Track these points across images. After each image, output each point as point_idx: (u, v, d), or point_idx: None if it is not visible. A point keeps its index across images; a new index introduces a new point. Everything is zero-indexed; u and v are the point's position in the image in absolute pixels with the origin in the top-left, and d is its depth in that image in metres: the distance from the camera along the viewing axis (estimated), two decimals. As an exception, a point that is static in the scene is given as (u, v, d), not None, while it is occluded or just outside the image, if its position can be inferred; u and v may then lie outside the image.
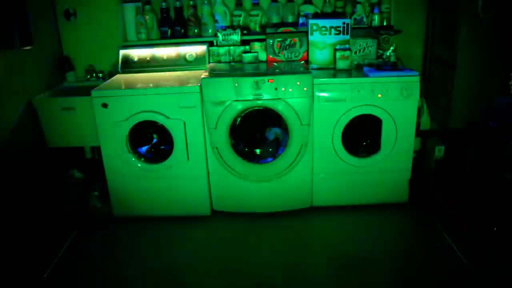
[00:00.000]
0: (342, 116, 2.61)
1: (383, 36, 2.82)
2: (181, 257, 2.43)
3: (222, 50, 2.99)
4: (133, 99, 2.56)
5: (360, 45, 2.83)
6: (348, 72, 2.73)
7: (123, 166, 2.69)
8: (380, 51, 2.86)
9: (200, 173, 2.72)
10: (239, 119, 2.65)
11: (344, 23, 2.79)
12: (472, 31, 2.66)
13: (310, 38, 2.84)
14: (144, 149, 2.78)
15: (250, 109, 2.61)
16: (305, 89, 2.54)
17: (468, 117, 2.85)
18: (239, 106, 2.57)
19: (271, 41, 2.89)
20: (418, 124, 2.90)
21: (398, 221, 2.71)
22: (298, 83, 2.53)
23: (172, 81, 2.72)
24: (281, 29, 2.94)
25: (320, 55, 2.85)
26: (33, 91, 2.79)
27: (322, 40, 2.82)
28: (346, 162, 2.71)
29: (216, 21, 3.07)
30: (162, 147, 2.80)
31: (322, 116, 2.62)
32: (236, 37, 2.98)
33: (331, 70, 2.81)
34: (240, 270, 2.30)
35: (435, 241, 2.35)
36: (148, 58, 3.01)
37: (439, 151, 2.80)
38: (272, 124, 2.76)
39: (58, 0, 3.07)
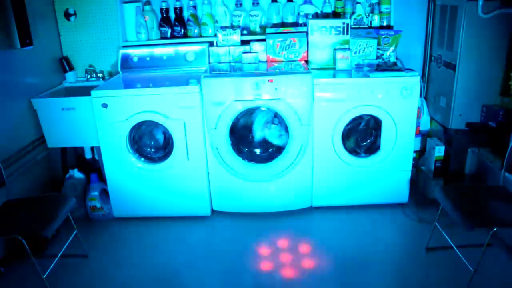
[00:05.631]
0: (342, 116, 2.61)
1: (383, 36, 2.82)
2: (181, 258, 2.43)
3: (222, 50, 2.99)
4: (133, 99, 2.56)
5: (360, 45, 2.83)
6: (348, 72, 2.73)
7: (123, 166, 2.69)
8: (380, 51, 2.86)
9: (200, 173, 2.72)
10: (239, 119, 2.66)
11: (344, 23, 2.79)
12: (472, 31, 2.66)
13: (310, 38, 2.84)
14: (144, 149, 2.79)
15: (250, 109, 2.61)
16: (305, 89, 2.54)
17: (468, 117, 2.85)
18: (239, 106, 2.57)
19: (271, 41, 2.89)
20: (418, 124, 2.90)
21: (398, 221, 2.72)
22: (298, 83, 2.53)
23: (172, 81, 2.72)
24: (281, 29, 2.94)
25: (320, 55, 2.85)
26: (33, 91, 2.79)
27: (322, 40, 2.82)
28: (346, 162, 2.71)
29: (216, 21, 3.07)
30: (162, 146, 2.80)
31: (322, 116, 2.62)
32: (236, 37, 2.98)
33: (331, 70, 2.81)
34: (240, 270, 2.30)
35: (435, 241, 2.35)
36: (148, 58, 3.00)
37: (439, 151, 2.80)
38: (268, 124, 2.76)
39: (58, 0, 3.07)
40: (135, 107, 2.56)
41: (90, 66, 3.19)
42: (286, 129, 2.64)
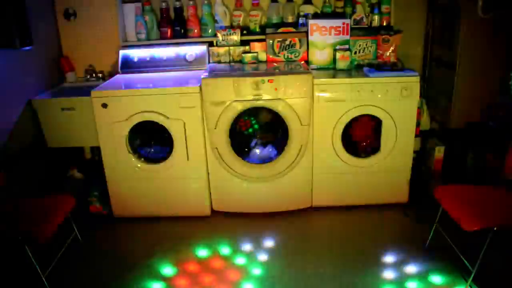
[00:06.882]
0: (342, 116, 2.61)
1: (383, 36, 2.82)
2: (181, 258, 2.43)
3: (222, 50, 2.98)
4: (133, 99, 2.56)
5: (360, 45, 2.83)
6: (348, 72, 2.73)
7: (123, 166, 2.69)
8: (380, 51, 2.86)
9: (200, 173, 2.72)
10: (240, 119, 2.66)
11: (344, 23, 2.79)
12: (472, 31, 2.66)
13: (310, 38, 2.84)
14: (144, 149, 2.78)
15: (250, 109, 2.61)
16: (305, 89, 2.54)
17: (468, 117, 2.85)
18: (239, 106, 2.57)
19: (271, 41, 2.89)
20: (418, 124, 2.90)
21: (398, 221, 2.71)
22: (298, 83, 2.53)
23: (172, 81, 2.72)
24: (281, 29, 2.94)
25: (320, 55, 2.85)
26: (33, 91, 2.79)
27: (322, 40, 2.82)
28: (346, 162, 2.71)
29: (216, 21, 3.07)
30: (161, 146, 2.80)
31: (322, 116, 2.62)
32: (236, 37, 2.98)
33: (331, 70, 2.81)
34: (240, 270, 2.30)
35: (435, 241, 2.35)
36: (148, 58, 3.00)
37: (439, 151, 2.80)
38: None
39: (58, 0, 3.07)
40: (135, 107, 2.56)
41: (90, 66, 3.19)
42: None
